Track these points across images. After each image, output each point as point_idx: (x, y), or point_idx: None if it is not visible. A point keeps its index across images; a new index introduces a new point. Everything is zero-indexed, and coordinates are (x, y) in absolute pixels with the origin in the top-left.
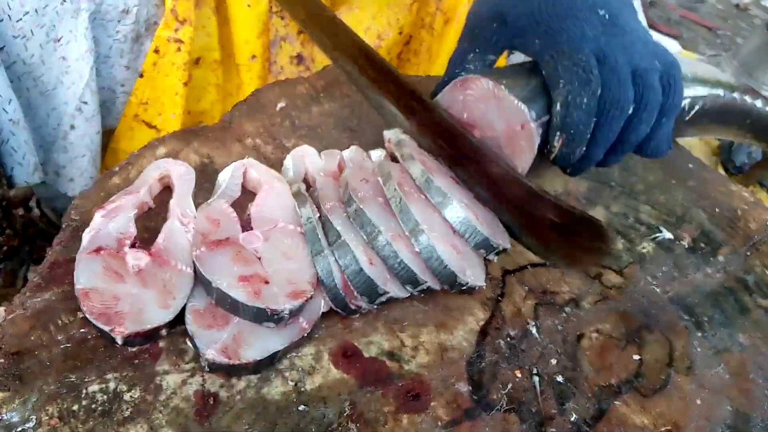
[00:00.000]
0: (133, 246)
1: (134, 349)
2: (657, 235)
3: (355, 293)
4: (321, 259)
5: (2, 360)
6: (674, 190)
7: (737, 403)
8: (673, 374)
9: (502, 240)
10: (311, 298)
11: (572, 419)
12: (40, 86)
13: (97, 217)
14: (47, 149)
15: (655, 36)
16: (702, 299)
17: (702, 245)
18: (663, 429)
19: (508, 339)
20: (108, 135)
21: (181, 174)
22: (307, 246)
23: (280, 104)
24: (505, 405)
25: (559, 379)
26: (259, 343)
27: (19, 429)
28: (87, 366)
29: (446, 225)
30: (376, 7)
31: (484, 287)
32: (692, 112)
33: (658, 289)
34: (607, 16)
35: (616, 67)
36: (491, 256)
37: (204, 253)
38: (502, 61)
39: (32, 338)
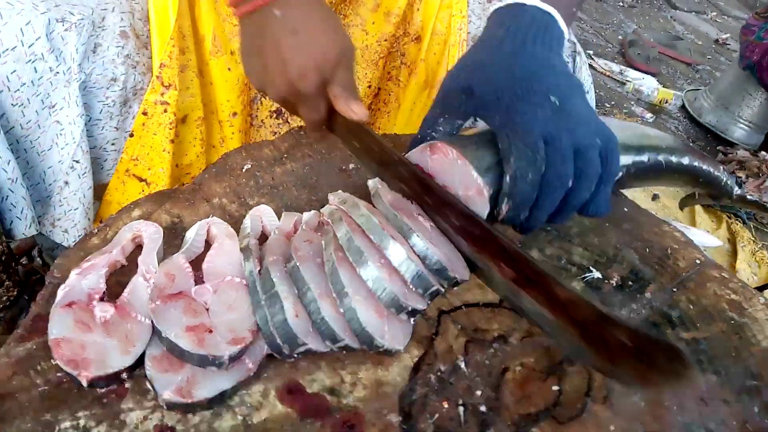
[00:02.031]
0: (101, 300)
1: (103, 390)
2: (587, 275)
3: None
4: (259, 309)
5: None
6: (609, 232)
7: (650, 428)
8: (589, 403)
9: (436, 283)
10: (251, 344)
11: None
12: (36, 147)
13: (73, 275)
14: (44, 203)
15: (634, 74)
16: None
17: (630, 283)
18: None
19: (439, 373)
20: (102, 189)
21: (150, 234)
22: (250, 298)
23: (246, 166)
24: None
25: (483, 408)
26: (210, 384)
27: None
28: (61, 406)
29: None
30: None
31: (402, 351)
32: (620, 174)
33: None
34: (557, 102)
35: (560, 147)
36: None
37: (158, 306)
38: None
39: (14, 382)
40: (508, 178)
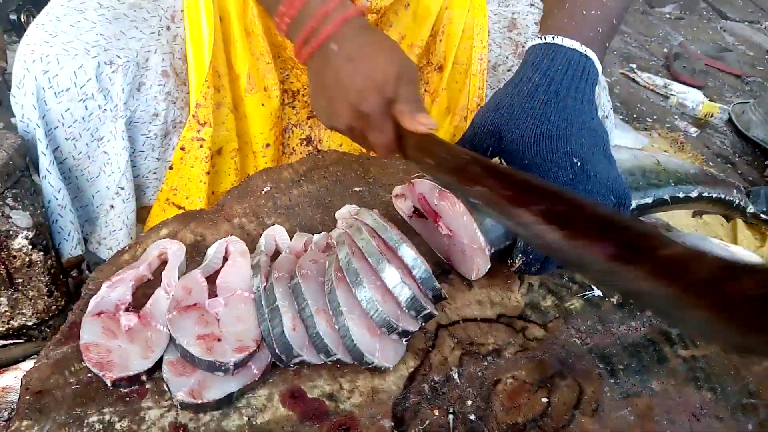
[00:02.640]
0: (126, 310)
1: (125, 390)
2: (587, 293)
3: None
4: (263, 321)
5: (28, 397)
6: None
7: None
8: (578, 415)
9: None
10: (256, 352)
11: None
12: (86, 175)
13: (104, 288)
14: (92, 223)
15: (678, 88)
16: (620, 350)
17: (631, 302)
18: None
19: (432, 383)
20: (145, 212)
21: (174, 251)
22: (256, 310)
23: (266, 188)
24: None
25: (472, 417)
26: (218, 387)
27: None
28: (89, 402)
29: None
30: None
31: (390, 369)
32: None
33: (578, 341)
34: (578, 164)
35: None
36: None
37: (175, 317)
38: None
39: (51, 381)
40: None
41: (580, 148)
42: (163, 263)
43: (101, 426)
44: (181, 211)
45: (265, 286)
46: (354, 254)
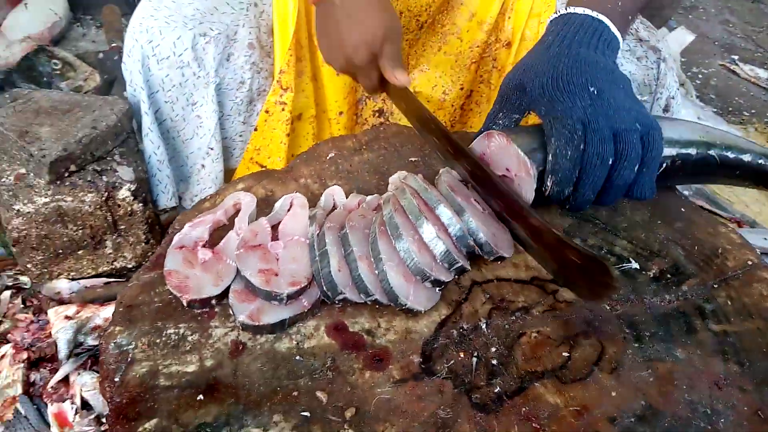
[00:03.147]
0: (203, 246)
1: (198, 311)
2: (624, 265)
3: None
4: (314, 262)
5: (121, 309)
6: (658, 229)
7: (653, 400)
8: (596, 371)
9: (462, 261)
10: (306, 288)
11: (495, 391)
12: (181, 136)
13: (186, 227)
14: (186, 182)
15: None
16: (650, 318)
17: (669, 276)
18: (571, 408)
19: (461, 330)
20: (231, 173)
21: (247, 202)
22: (309, 253)
23: (331, 154)
24: (444, 374)
25: (494, 362)
26: (273, 314)
27: (124, 348)
28: (168, 318)
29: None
30: (441, 68)
31: (423, 311)
32: (663, 167)
33: (608, 307)
34: (595, 92)
35: (597, 128)
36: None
37: (242, 253)
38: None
39: (140, 298)
40: (550, 156)
41: (595, 80)
42: (237, 211)
43: (176, 337)
44: (263, 169)
45: (318, 234)
46: (396, 211)
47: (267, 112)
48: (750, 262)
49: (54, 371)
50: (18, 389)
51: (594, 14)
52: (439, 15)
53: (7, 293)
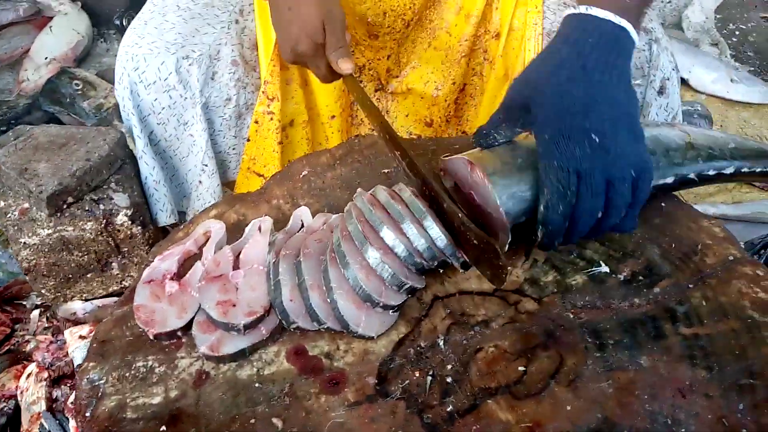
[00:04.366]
0: (171, 279)
1: (166, 342)
2: (593, 269)
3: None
4: (270, 291)
5: (95, 345)
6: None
7: (610, 412)
8: (552, 384)
9: (412, 280)
10: (265, 316)
11: (448, 410)
12: (178, 155)
13: (156, 261)
14: (188, 198)
15: None
16: (615, 325)
17: (641, 278)
18: (523, 425)
19: (418, 348)
20: (232, 185)
21: (216, 230)
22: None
23: (304, 172)
24: (398, 395)
25: (449, 379)
26: (232, 343)
27: (96, 383)
28: (138, 351)
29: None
30: (432, 64)
31: (374, 338)
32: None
33: (571, 315)
34: (597, 140)
35: (591, 183)
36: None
37: (203, 286)
38: None
39: (113, 333)
40: (542, 208)
41: (601, 123)
42: (208, 239)
43: (145, 370)
44: (261, 178)
45: (274, 262)
46: (344, 238)
47: (256, 122)
48: (731, 257)
49: (74, 388)
50: (42, 406)
51: (616, 20)
52: (426, 11)
53: (36, 312)
